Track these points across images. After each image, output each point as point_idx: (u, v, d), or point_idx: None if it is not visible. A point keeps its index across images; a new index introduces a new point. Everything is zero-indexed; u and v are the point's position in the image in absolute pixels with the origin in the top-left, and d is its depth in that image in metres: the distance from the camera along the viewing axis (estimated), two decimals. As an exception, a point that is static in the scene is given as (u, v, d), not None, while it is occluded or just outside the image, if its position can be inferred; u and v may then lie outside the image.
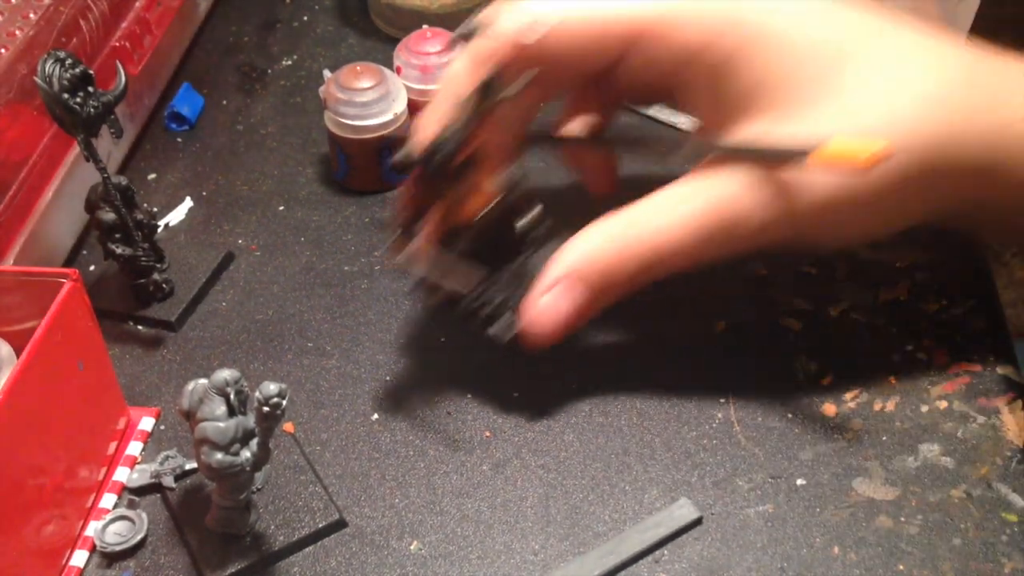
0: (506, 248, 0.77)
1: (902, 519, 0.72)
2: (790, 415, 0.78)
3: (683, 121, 1.00)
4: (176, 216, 0.96)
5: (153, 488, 0.77)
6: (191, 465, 0.76)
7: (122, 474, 0.77)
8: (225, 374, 0.67)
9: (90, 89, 0.79)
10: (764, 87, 0.72)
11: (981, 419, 0.76)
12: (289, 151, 1.02)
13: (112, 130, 0.81)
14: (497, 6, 0.77)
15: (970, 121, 0.69)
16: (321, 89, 0.96)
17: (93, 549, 0.74)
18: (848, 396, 0.79)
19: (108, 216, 0.83)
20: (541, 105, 0.81)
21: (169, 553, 0.73)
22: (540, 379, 0.81)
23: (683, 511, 0.72)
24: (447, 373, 0.82)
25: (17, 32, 0.90)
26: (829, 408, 0.78)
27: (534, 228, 0.77)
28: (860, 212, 0.71)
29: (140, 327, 0.88)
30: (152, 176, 1.01)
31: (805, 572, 0.69)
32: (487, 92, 0.72)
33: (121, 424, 0.80)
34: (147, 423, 0.81)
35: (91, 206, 0.84)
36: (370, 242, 0.93)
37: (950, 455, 0.75)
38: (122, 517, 0.75)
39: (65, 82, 0.77)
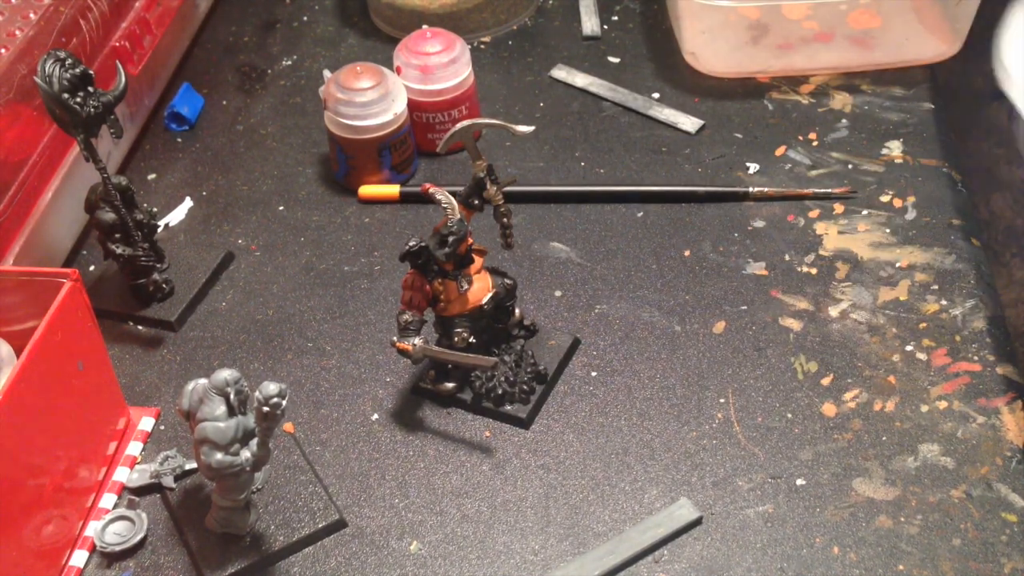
0: (501, 333, 0.82)
1: (902, 519, 0.72)
2: (790, 415, 0.78)
3: (683, 121, 1.00)
4: (176, 216, 0.96)
5: (153, 488, 0.77)
6: (191, 465, 0.76)
7: (122, 474, 0.77)
8: (225, 374, 0.67)
9: (90, 89, 0.79)
10: None
11: (981, 419, 0.76)
12: (289, 151, 1.02)
13: (112, 130, 0.81)
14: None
15: None
16: (321, 89, 0.96)
17: (93, 549, 0.74)
18: (848, 396, 0.78)
19: (108, 216, 0.83)
20: None
21: (169, 553, 0.73)
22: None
23: (683, 511, 0.72)
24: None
25: (17, 32, 0.90)
26: (829, 408, 0.78)
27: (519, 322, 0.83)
28: None
29: (140, 327, 0.88)
30: (152, 176, 1.01)
31: (805, 572, 0.69)
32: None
33: (121, 424, 0.80)
34: (147, 423, 0.81)
35: (91, 206, 0.84)
36: (370, 242, 0.93)
37: (950, 455, 0.75)
38: (122, 517, 0.75)
39: (65, 82, 0.77)
